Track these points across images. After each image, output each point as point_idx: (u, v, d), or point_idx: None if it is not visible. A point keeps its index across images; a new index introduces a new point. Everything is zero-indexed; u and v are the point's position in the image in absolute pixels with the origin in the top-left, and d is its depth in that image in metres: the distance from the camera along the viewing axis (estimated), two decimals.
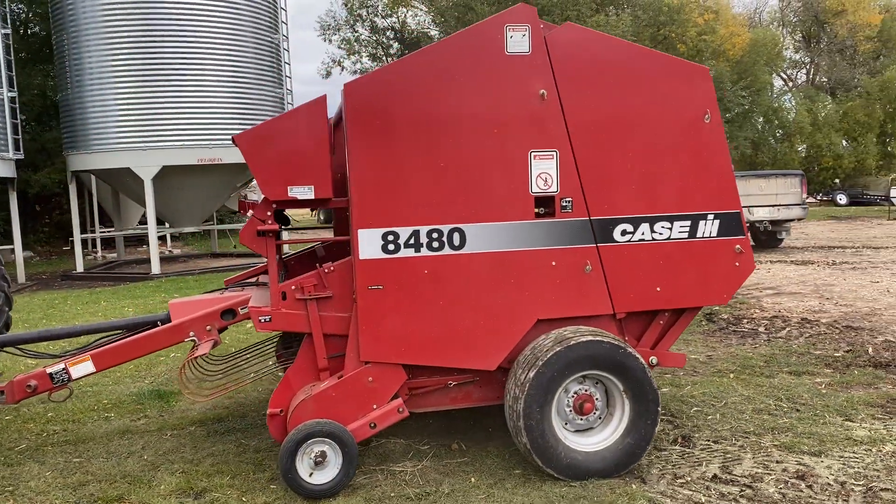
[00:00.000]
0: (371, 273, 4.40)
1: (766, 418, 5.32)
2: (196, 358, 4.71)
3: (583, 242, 4.62)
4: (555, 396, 4.37)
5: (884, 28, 41.67)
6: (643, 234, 4.70)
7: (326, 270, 4.52)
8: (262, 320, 4.48)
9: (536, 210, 4.56)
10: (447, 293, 4.48)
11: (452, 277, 4.48)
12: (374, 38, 32.45)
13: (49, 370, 4.79)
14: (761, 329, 8.33)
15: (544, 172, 4.55)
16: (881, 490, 4.13)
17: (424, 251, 4.45)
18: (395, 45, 32.19)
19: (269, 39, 17.19)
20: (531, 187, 4.53)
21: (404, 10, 31.69)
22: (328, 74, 32.75)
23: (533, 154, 4.52)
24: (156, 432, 5.56)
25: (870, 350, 7.11)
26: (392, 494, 4.30)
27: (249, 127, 15.95)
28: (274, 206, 4.44)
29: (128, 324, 5.31)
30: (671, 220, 4.73)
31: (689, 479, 4.38)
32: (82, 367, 4.83)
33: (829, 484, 4.24)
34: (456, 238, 4.48)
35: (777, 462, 4.57)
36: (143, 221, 22.63)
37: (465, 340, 4.52)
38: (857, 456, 4.62)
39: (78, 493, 4.51)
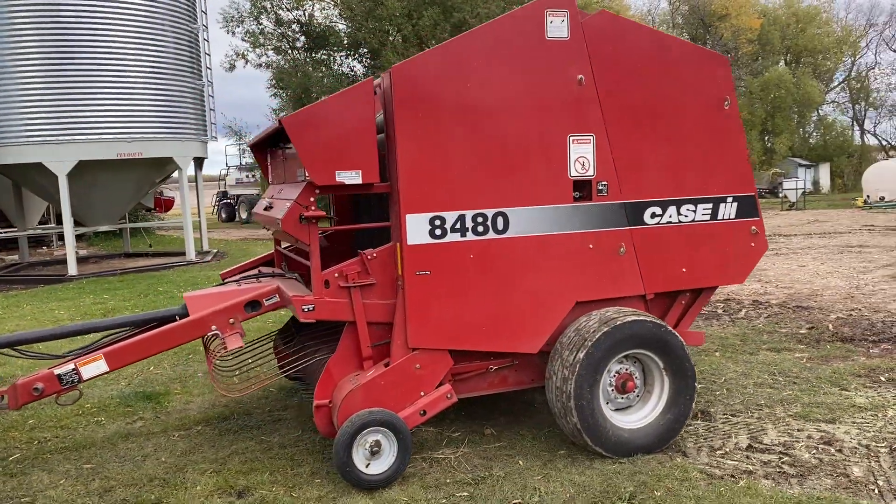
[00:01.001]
0: (419, 258, 4.34)
1: (770, 391, 5.61)
2: (229, 351, 4.51)
3: (617, 225, 4.72)
4: (602, 376, 4.45)
5: (762, 32, 44.56)
6: (671, 216, 4.85)
7: (369, 257, 4.41)
8: (306, 309, 4.33)
9: (573, 194, 4.63)
10: (492, 277, 4.48)
11: (497, 261, 4.48)
12: (280, 31, 31.62)
13: (57, 371, 4.46)
14: (720, 311, 8.74)
15: (582, 156, 4.61)
16: None
17: (470, 235, 4.43)
18: (302, 38, 31.51)
19: (188, 29, 16.50)
20: (570, 171, 4.59)
21: (311, 2, 31.06)
22: (232, 67, 31.48)
23: (571, 138, 4.58)
24: (161, 434, 5.26)
25: (830, 327, 7.60)
26: (447, 481, 4.26)
27: (170, 119, 15.48)
28: (317, 191, 4.30)
29: (137, 320, 5.02)
30: (695, 202, 4.90)
31: (727, 450, 4.57)
32: (94, 367, 4.53)
33: (856, 447, 4.52)
34: (500, 222, 4.48)
35: (799, 430, 4.83)
36: (43, 221, 21.24)
37: (511, 324, 4.53)
38: (867, 422, 4.94)
39: (106, 499, 4.22)
